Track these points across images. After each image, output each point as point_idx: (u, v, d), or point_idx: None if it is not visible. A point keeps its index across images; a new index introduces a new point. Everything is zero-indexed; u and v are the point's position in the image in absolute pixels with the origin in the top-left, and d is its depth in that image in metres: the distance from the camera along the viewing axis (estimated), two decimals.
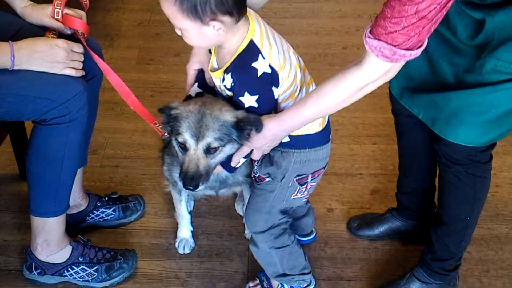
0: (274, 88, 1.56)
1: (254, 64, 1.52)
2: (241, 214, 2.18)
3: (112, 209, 2.17)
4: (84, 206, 2.13)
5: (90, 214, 2.14)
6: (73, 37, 1.79)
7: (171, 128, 1.60)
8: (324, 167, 1.77)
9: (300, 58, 1.66)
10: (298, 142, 1.67)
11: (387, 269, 2.02)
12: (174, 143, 1.61)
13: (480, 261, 2.05)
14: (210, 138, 1.54)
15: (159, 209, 2.24)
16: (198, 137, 1.54)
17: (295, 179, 1.72)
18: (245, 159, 1.67)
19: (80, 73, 1.71)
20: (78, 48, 1.71)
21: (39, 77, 1.65)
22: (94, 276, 1.93)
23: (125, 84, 1.76)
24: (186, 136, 1.55)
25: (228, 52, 1.54)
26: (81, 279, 1.93)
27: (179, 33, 1.50)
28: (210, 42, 1.52)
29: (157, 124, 1.74)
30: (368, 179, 2.38)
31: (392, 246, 2.09)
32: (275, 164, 1.69)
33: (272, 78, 1.54)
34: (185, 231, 2.11)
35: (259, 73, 1.52)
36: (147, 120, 1.77)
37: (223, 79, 1.57)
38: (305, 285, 1.92)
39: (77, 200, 2.10)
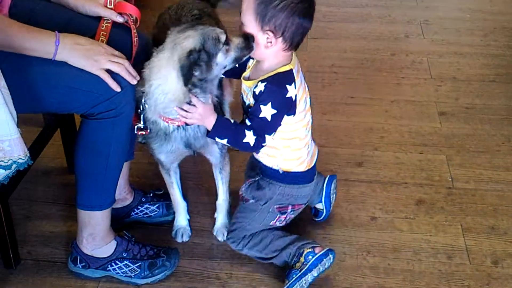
0: (286, 116, 1.78)
1: (288, 86, 1.75)
2: (221, 239, 2.13)
3: (156, 205, 2.19)
4: (129, 201, 2.15)
5: (135, 209, 2.17)
6: (125, 27, 1.85)
7: (204, 62, 1.68)
8: (305, 204, 2.03)
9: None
10: (285, 177, 1.91)
11: (430, 282, 1.98)
12: (221, 58, 1.73)
13: None
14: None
15: (202, 208, 2.25)
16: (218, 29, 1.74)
17: (275, 207, 1.95)
18: None
19: (115, 87, 1.69)
20: (120, 55, 1.71)
21: (87, 71, 1.67)
22: (137, 272, 1.95)
23: None
24: (221, 32, 1.72)
25: (266, 69, 1.78)
26: (124, 275, 1.95)
27: (241, 24, 1.74)
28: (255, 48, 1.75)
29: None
30: (414, 189, 2.35)
31: (436, 258, 2.05)
32: (261, 189, 1.94)
33: (292, 106, 1.78)
34: (182, 219, 2.13)
35: (288, 95, 1.75)
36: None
37: (256, 86, 1.76)
38: (313, 248, 1.93)
39: (123, 194, 2.12)
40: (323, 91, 2.91)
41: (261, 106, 1.74)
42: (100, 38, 1.79)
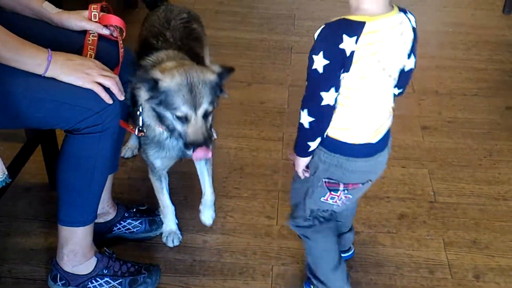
0: (341, 72, 1.49)
1: (344, 36, 1.46)
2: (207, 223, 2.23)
3: (139, 221, 2.17)
4: (112, 215, 2.14)
5: (117, 225, 2.15)
6: (111, 40, 1.86)
7: (159, 101, 1.73)
8: (363, 183, 1.70)
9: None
10: (330, 144, 1.63)
11: None
12: (169, 115, 1.75)
13: None
14: (206, 105, 1.73)
15: (184, 224, 2.24)
16: (195, 106, 1.72)
17: (324, 181, 1.69)
18: None
19: (107, 99, 1.69)
20: (110, 73, 1.71)
21: (75, 85, 1.66)
22: None
23: None
24: (185, 109, 1.71)
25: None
26: None
27: None
28: None
29: (131, 127, 1.90)
30: (396, 203, 2.35)
31: (418, 273, 2.06)
32: (312, 155, 1.68)
33: (344, 60, 1.47)
34: (171, 223, 2.16)
35: (341, 46, 1.45)
36: (124, 126, 1.86)
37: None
38: None
39: (106, 208, 2.11)
40: None
41: (313, 56, 1.48)
42: (88, 52, 1.79)
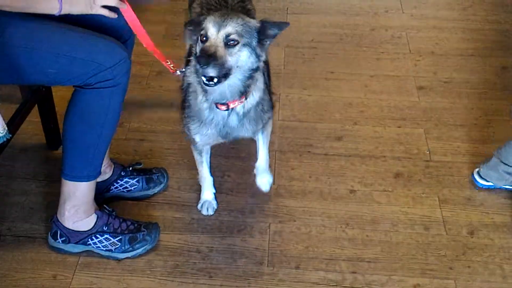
0: None
1: None
2: (264, 189, 2.18)
3: (136, 179, 2.19)
4: (108, 175, 2.15)
5: (114, 184, 2.17)
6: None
7: (196, 35, 1.70)
8: None
9: None
10: None
11: (407, 252, 2.02)
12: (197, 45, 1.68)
13: (502, 248, 2.04)
14: (230, 28, 1.63)
15: (182, 183, 2.26)
16: (219, 26, 1.64)
17: None
18: None
19: (113, 15, 1.75)
20: None
21: (86, 40, 1.70)
22: (117, 246, 1.95)
23: (141, 25, 1.85)
24: (209, 25, 1.64)
25: None
26: (104, 249, 1.96)
27: None
28: None
29: (169, 63, 1.87)
30: (392, 162, 2.37)
31: (414, 229, 2.09)
32: None
33: None
34: (208, 193, 2.16)
35: None
36: (160, 59, 1.87)
37: None
38: None
39: (103, 167, 2.11)
40: (303, 66, 2.91)
41: None
42: None
